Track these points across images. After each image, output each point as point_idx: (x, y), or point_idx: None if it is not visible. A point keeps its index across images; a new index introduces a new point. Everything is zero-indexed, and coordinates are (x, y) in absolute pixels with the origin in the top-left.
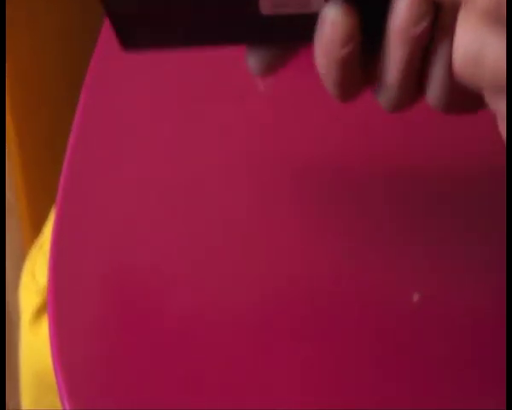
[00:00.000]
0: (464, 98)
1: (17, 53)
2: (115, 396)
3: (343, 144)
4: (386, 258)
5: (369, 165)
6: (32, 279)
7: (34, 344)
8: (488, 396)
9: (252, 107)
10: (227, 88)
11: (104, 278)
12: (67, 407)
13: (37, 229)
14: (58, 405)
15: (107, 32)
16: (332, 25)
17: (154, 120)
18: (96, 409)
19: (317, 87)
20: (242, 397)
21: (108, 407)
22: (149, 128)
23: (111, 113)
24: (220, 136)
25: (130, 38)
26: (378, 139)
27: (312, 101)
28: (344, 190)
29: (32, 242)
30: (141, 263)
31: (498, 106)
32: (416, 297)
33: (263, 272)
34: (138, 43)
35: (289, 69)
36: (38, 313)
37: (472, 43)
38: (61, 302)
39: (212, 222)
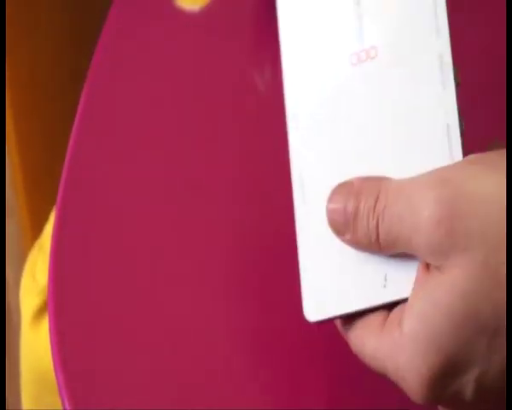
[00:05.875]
0: None
1: (17, 53)
2: (115, 397)
3: None
4: None
5: None
6: (33, 280)
7: (35, 345)
8: None
9: (251, 106)
10: (226, 87)
11: (104, 279)
12: (68, 407)
13: (37, 230)
14: (58, 405)
15: (108, 34)
16: None
17: (154, 122)
18: (96, 409)
19: None
20: (242, 397)
21: (108, 407)
22: (149, 130)
23: (111, 114)
24: (219, 134)
25: None
26: None
27: None
28: None
29: (33, 242)
30: (141, 263)
31: None
32: None
33: (262, 271)
34: None
35: None
36: (39, 314)
37: None
38: (62, 303)
39: (212, 222)
